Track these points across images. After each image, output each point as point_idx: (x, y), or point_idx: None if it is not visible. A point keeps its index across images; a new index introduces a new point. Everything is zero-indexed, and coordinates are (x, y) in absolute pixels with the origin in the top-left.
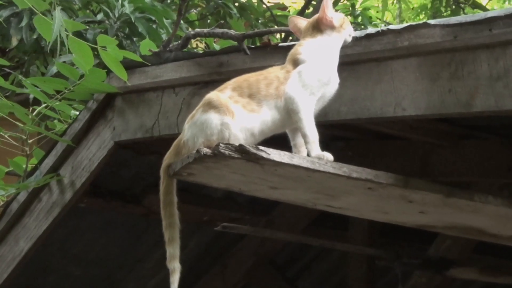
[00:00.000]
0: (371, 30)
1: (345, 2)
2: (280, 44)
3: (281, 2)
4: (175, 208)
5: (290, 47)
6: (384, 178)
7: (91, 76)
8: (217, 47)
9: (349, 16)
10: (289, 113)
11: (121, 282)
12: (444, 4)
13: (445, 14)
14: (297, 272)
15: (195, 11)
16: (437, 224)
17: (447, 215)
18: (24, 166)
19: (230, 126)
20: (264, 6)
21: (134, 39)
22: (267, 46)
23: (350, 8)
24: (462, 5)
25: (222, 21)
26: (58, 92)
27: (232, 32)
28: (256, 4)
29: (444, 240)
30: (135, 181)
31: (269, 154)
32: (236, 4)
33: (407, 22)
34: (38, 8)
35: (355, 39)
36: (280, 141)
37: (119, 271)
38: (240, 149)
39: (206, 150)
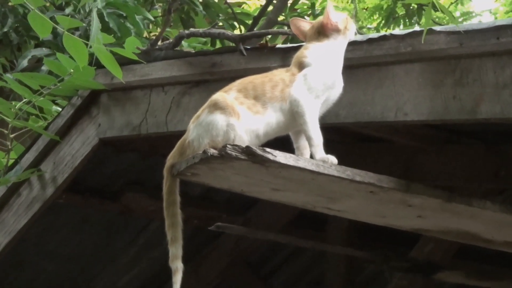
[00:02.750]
0: (373, 34)
1: (305, 1)
2: (278, 46)
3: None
4: (178, 207)
5: (286, 50)
6: (386, 182)
7: (80, 73)
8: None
9: (308, 16)
10: (294, 115)
11: (94, 279)
12: (398, 5)
13: (400, 14)
14: (271, 270)
15: (157, 7)
16: (433, 228)
17: (444, 220)
18: (3, 160)
19: (236, 128)
20: (225, 3)
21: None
22: (264, 48)
23: (310, 8)
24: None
25: (183, 16)
26: (42, 87)
27: (229, 33)
28: (217, 1)
29: (426, 244)
30: (115, 178)
31: (275, 156)
32: (200, 1)
33: (362, 22)
34: (33, 5)
35: (357, 43)
36: (279, 143)
37: (92, 268)
38: (247, 150)
39: (212, 151)
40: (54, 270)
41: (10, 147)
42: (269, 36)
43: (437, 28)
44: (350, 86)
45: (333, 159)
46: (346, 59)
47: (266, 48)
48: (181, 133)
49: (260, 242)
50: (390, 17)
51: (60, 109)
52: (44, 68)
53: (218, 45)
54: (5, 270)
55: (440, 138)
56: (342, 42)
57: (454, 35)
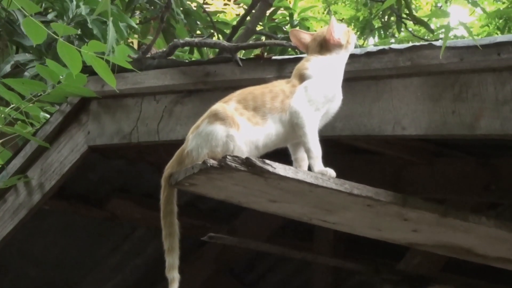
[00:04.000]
0: (371, 48)
1: (283, 11)
2: (274, 57)
3: (219, 9)
4: (175, 217)
5: (282, 61)
6: (384, 196)
7: (71, 80)
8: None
9: (286, 26)
10: (293, 127)
11: (77, 285)
12: (376, 17)
13: (376, 26)
14: (255, 279)
15: (138, 14)
16: (427, 242)
17: (438, 234)
18: None
19: (235, 139)
20: (203, 12)
21: (87, 40)
22: (260, 59)
23: (288, 18)
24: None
25: (164, 24)
26: (32, 93)
27: (225, 43)
28: (196, 9)
29: (414, 256)
30: (101, 185)
31: (274, 168)
32: (181, 9)
33: None
34: (28, 11)
35: (355, 56)
36: (276, 154)
37: (76, 274)
38: (247, 162)
39: (212, 162)
40: (37, 276)
41: None
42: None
43: (437, 43)
44: (347, 99)
45: (331, 172)
46: (344, 72)
47: (262, 59)
48: (172, 142)
49: (244, 251)
50: (365, 28)
51: (48, 115)
52: (27, 73)
53: (197, 54)
54: None
55: (430, 151)
56: (343, 56)
57: (454, 50)
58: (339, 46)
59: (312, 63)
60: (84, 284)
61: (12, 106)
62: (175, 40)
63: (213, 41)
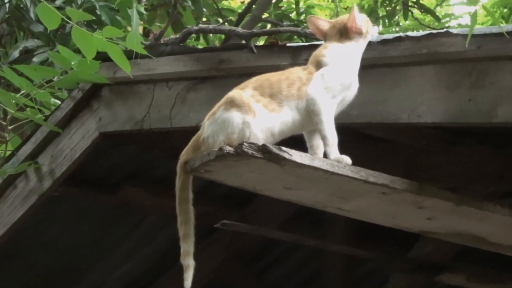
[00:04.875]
0: (388, 35)
1: None
2: (288, 45)
3: None
4: (191, 204)
5: (297, 48)
6: (399, 184)
7: (84, 66)
8: None
9: (292, 14)
10: (309, 114)
11: (87, 272)
12: (380, 5)
13: (381, 15)
14: (265, 267)
15: (144, 1)
16: (441, 230)
17: (453, 222)
18: (1, 152)
19: (251, 125)
20: None
21: (95, 27)
22: (275, 46)
23: (294, 6)
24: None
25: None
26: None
27: (240, 30)
28: None
29: (426, 245)
30: (112, 172)
31: (291, 155)
32: None
33: None
34: None
35: (370, 43)
36: (290, 141)
37: (86, 261)
38: (263, 149)
39: (229, 149)
40: (47, 263)
41: (8, 138)
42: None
43: (455, 30)
44: (363, 86)
45: (347, 159)
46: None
47: (277, 46)
48: (185, 129)
49: (254, 239)
50: (371, 17)
51: (58, 102)
52: (35, 59)
53: (203, 42)
54: None
55: (444, 139)
56: (362, 44)
57: (472, 38)
58: (359, 34)
59: (330, 50)
60: (94, 271)
61: (22, 92)
62: (189, 26)
63: (227, 28)
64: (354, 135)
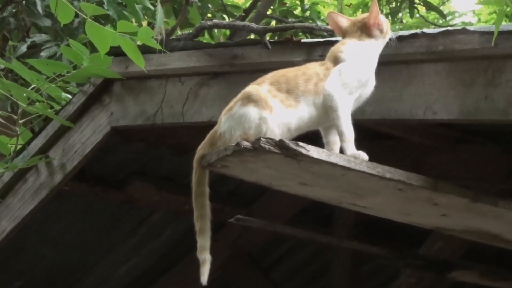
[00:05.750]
0: (403, 32)
1: None
2: (303, 41)
3: None
4: (207, 199)
5: (312, 44)
6: (415, 180)
7: (96, 61)
8: None
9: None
10: (326, 110)
11: (94, 267)
12: (386, 2)
13: (384, 12)
14: (272, 263)
15: None
16: (455, 227)
17: (467, 219)
18: (9, 146)
19: (268, 121)
20: None
21: (102, 22)
22: (289, 42)
23: (299, 2)
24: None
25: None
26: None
27: (254, 25)
28: None
29: (435, 242)
30: (120, 168)
31: (308, 151)
32: None
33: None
34: None
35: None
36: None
37: (92, 256)
38: (280, 144)
39: (246, 144)
40: (54, 257)
41: (18, 132)
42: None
43: (471, 28)
44: (378, 83)
45: (364, 155)
46: None
47: (291, 42)
48: (198, 125)
49: (261, 235)
50: None
51: (70, 96)
52: (43, 54)
53: (207, 37)
54: (6, 255)
55: (453, 137)
56: (380, 43)
57: (488, 35)
58: (379, 32)
59: (348, 47)
60: (100, 266)
61: (33, 86)
62: (202, 21)
63: (241, 24)
64: (362, 132)
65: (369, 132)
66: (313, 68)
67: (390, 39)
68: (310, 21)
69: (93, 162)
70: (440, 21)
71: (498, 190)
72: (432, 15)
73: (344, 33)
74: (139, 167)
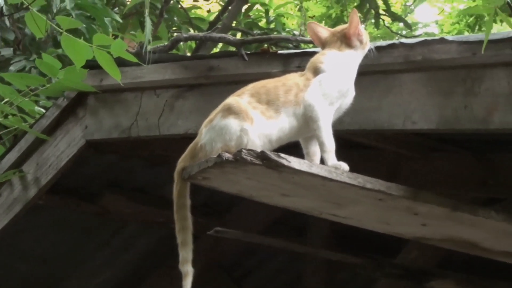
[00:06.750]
0: (381, 42)
1: (259, 7)
2: (280, 52)
3: (197, 5)
4: (188, 211)
5: (288, 56)
6: (396, 190)
7: (70, 74)
8: None
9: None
10: (307, 121)
11: (65, 280)
12: (348, 14)
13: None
14: (244, 273)
15: (116, 10)
16: (434, 236)
17: (446, 228)
18: None
19: (249, 132)
20: (180, 8)
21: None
22: (266, 53)
23: (264, 14)
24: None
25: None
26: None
27: (230, 37)
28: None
29: (411, 251)
30: (93, 180)
31: (289, 162)
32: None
33: None
34: (33, 5)
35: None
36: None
37: (64, 269)
38: (262, 155)
39: (227, 156)
40: (26, 271)
41: None
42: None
43: (449, 37)
44: (356, 93)
45: (344, 166)
46: None
47: (268, 54)
48: (173, 137)
49: (233, 245)
50: (336, 25)
51: (43, 110)
52: (12, 68)
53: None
54: None
55: (427, 145)
56: (360, 54)
57: (466, 44)
58: (359, 43)
59: (328, 57)
60: (73, 279)
61: (5, 100)
62: (177, 34)
63: (218, 35)
64: (337, 141)
65: (343, 142)
66: (293, 79)
67: (369, 50)
68: (275, 33)
69: (65, 174)
70: (404, 32)
71: (472, 198)
72: (395, 26)
73: (324, 44)
74: (112, 179)
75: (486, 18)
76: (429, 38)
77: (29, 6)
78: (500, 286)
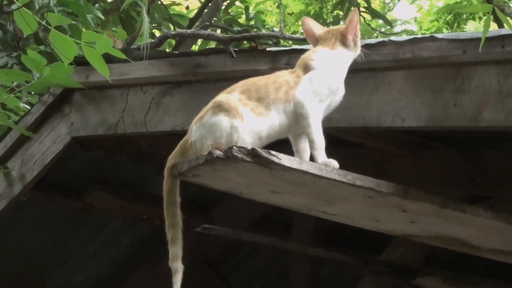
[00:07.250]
0: (371, 40)
1: (239, 4)
2: (268, 49)
3: (176, 1)
4: (178, 208)
5: (276, 53)
6: (385, 187)
7: (57, 71)
8: None
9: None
10: (297, 118)
11: (51, 275)
12: (328, 12)
13: (328, 21)
14: (229, 269)
15: (96, 6)
16: (422, 233)
17: (435, 225)
18: None
19: (239, 130)
20: (160, 4)
21: None
22: (254, 50)
23: (244, 11)
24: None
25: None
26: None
27: (219, 34)
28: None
29: (397, 248)
30: (79, 176)
31: (280, 159)
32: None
33: (289, 27)
34: (21, 2)
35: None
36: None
37: (50, 265)
38: (253, 152)
39: (218, 153)
40: (12, 267)
41: None
42: None
43: (439, 35)
44: (345, 91)
45: (334, 163)
46: None
47: (256, 51)
48: (160, 134)
49: (219, 241)
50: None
51: (28, 107)
52: None
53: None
54: None
55: (413, 143)
56: (351, 55)
57: (457, 42)
58: (353, 44)
59: (318, 55)
60: (58, 275)
61: None
62: (166, 31)
63: (206, 32)
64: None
65: (329, 138)
66: (284, 76)
67: (359, 56)
68: (255, 30)
69: (51, 170)
70: (383, 29)
71: (461, 196)
72: (375, 22)
73: (317, 40)
74: (97, 175)
75: (465, 16)
76: (419, 36)
77: (17, 2)
78: (486, 283)
